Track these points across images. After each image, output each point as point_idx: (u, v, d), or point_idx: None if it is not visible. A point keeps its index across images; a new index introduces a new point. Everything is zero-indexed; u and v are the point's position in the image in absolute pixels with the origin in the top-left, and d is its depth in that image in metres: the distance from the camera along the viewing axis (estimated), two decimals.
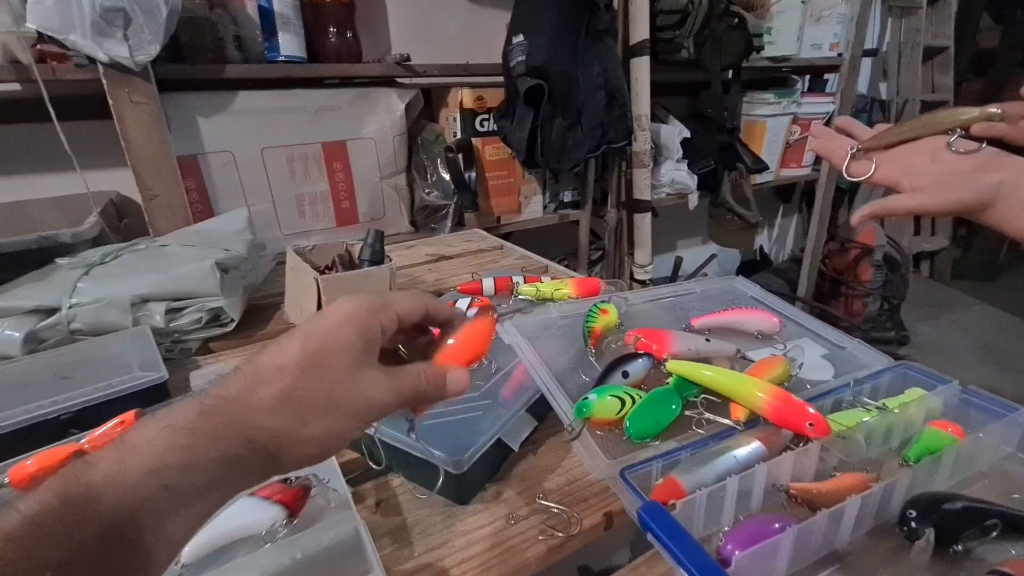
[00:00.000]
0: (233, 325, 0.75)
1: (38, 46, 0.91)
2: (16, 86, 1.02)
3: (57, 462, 0.44)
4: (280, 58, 1.10)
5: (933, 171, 0.44)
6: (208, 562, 0.37)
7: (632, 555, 0.88)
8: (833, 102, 1.80)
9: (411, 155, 1.32)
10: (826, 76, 1.98)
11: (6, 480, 0.44)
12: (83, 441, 0.46)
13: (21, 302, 0.67)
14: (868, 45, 1.82)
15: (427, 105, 1.33)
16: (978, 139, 0.44)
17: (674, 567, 0.36)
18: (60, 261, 0.76)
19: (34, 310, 0.67)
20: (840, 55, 1.73)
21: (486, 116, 1.29)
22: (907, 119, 2.22)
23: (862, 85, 2.23)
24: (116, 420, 0.47)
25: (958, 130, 0.45)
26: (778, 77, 1.87)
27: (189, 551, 0.37)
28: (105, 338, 0.66)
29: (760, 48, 1.49)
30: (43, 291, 0.69)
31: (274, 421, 0.24)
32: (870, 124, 1.84)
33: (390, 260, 0.77)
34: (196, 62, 1.03)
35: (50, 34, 0.87)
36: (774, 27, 1.61)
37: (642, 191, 1.45)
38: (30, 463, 0.44)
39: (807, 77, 1.99)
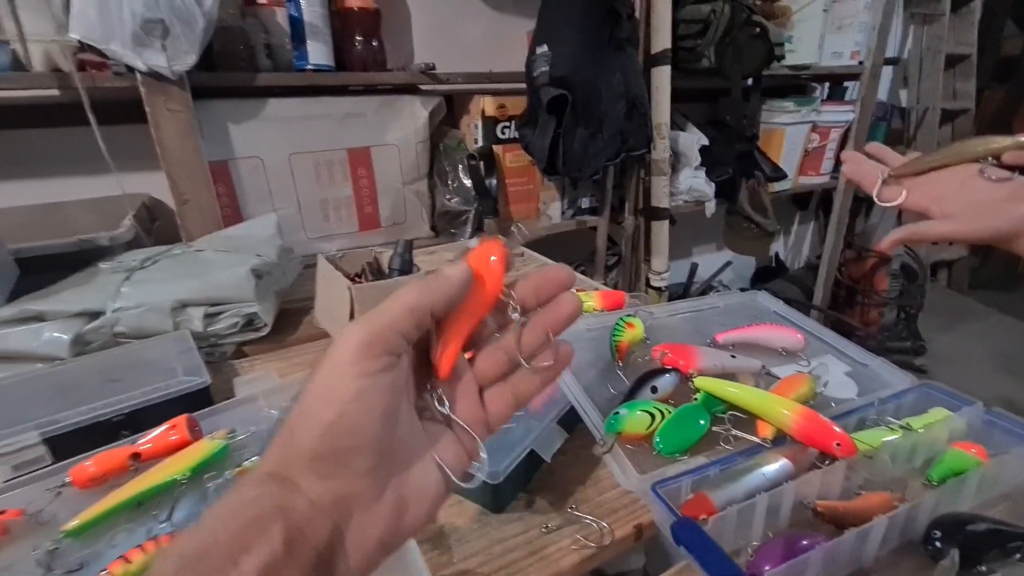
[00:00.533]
0: (267, 330, 0.77)
1: (78, 55, 0.94)
2: (54, 91, 1.05)
3: (115, 463, 0.47)
4: (308, 66, 1.12)
5: (964, 198, 0.45)
6: None
7: (647, 559, 0.89)
8: (853, 110, 1.80)
9: (433, 161, 1.34)
10: (846, 84, 1.97)
11: (68, 479, 0.46)
12: (139, 443, 0.48)
13: (68, 305, 0.70)
14: (890, 53, 1.81)
15: (449, 112, 1.35)
16: (1010, 168, 0.45)
17: None
18: (102, 265, 0.79)
19: (80, 313, 0.70)
20: (861, 63, 1.72)
21: (507, 124, 1.30)
22: (927, 128, 2.20)
23: (882, 93, 2.21)
24: (167, 425, 0.50)
25: (989, 158, 0.46)
26: (797, 85, 1.87)
27: None
28: (148, 342, 0.68)
29: (781, 57, 1.50)
30: (88, 295, 0.71)
31: (270, 453, 0.22)
32: (889, 132, 1.82)
33: (418, 269, 0.79)
34: (228, 70, 1.06)
35: (91, 43, 0.90)
36: (795, 35, 1.61)
37: (660, 199, 1.46)
38: (89, 464, 0.47)
39: (827, 85, 1.98)
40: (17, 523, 0.43)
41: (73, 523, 0.42)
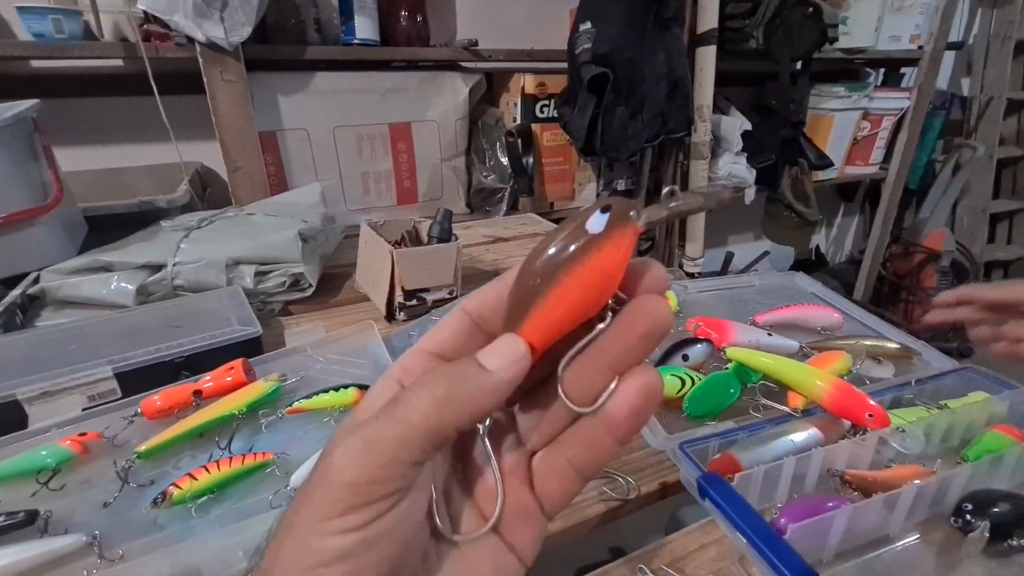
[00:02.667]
0: (311, 291, 0.81)
1: (144, 26, 0.99)
2: (119, 61, 1.12)
3: (180, 398, 0.51)
4: (355, 41, 1.15)
5: None
6: None
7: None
8: (908, 97, 1.72)
9: (471, 139, 1.36)
10: (903, 70, 1.88)
11: (139, 410, 0.51)
12: (200, 381, 0.53)
13: (133, 257, 0.75)
14: (953, 37, 1.72)
15: (488, 90, 1.36)
16: None
17: (729, 533, 0.39)
18: (164, 223, 0.85)
19: (144, 265, 0.75)
20: (921, 48, 1.64)
21: (546, 102, 1.31)
22: (990, 119, 2.08)
23: (942, 80, 2.10)
24: (227, 366, 0.54)
25: None
26: (850, 69, 1.80)
27: None
28: (205, 295, 0.73)
29: (834, 39, 1.44)
30: (151, 249, 0.77)
31: None
32: (947, 122, 1.77)
33: (456, 238, 0.81)
34: (279, 43, 1.10)
35: (157, 15, 0.95)
36: (850, 17, 1.54)
37: (698, 183, 1.44)
38: (157, 398, 0.51)
39: (882, 70, 1.89)
40: (97, 443, 0.48)
41: (144, 447, 0.47)
